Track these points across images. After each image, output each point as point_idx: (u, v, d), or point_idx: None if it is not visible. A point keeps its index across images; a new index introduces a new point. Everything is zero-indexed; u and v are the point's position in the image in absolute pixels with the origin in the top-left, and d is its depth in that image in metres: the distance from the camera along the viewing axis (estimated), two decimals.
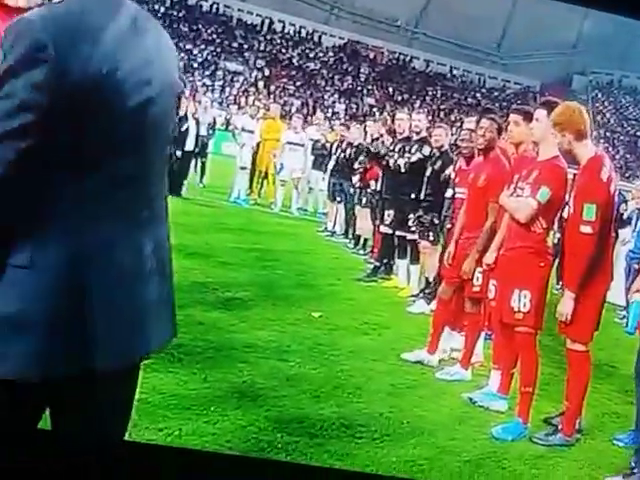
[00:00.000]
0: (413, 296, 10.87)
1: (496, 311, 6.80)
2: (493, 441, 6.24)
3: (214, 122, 21.64)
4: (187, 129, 18.65)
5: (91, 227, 2.34)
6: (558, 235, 9.50)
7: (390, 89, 60.75)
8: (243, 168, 20.08)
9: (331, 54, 64.27)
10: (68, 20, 2.29)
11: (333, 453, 5.41)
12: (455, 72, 67.26)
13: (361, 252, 14.44)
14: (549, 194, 6.31)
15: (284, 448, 5.38)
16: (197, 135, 19.40)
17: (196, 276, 10.16)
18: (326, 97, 58.71)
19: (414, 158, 10.97)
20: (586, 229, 5.97)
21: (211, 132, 21.20)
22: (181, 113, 18.82)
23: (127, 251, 2.45)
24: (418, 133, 11.26)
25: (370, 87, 61.26)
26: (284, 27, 63.65)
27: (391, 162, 11.52)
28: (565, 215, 6.81)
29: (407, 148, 11.27)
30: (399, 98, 58.91)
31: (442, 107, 59.85)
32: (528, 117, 6.83)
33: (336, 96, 58.62)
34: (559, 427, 6.43)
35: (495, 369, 7.15)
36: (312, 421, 5.91)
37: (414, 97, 59.37)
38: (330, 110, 54.94)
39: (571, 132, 6.10)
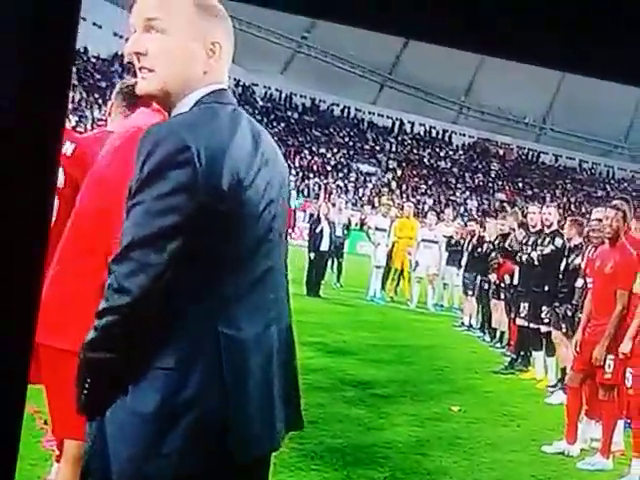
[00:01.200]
0: (551, 387, 10.84)
1: (635, 399, 6.79)
2: None
3: (349, 222, 22.02)
4: (322, 230, 19.09)
5: (233, 326, 2.47)
6: None
7: (520, 184, 60.45)
8: (378, 267, 20.37)
9: (461, 152, 64.58)
10: (203, 125, 2.43)
11: None
12: (584, 165, 66.66)
13: (498, 345, 14.44)
14: None
15: None
16: (331, 236, 19.81)
17: (335, 374, 10.38)
18: (457, 194, 58.80)
19: (547, 250, 11.06)
20: None
21: (346, 232, 21.64)
22: (315, 215, 19.35)
23: (261, 347, 2.58)
24: (549, 226, 11.37)
25: (500, 183, 61.12)
26: (414, 127, 64.26)
27: (524, 256, 11.63)
28: None
29: (539, 241, 11.37)
30: (529, 192, 58.56)
31: (572, 200, 59.20)
32: None
33: (467, 193, 58.63)
34: None
35: (636, 457, 7.11)
36: None
37: (544, 191, 58.90)
38: (462, 207, 54.96)
39: None
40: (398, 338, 14.47)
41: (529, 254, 11.48)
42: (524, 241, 11.98)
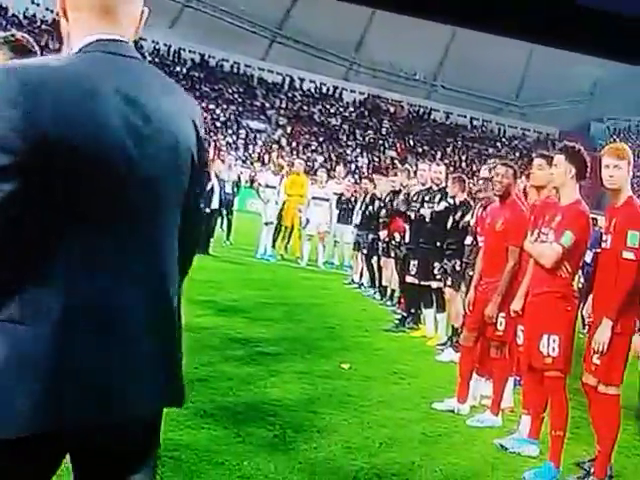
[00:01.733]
0: (441, 345, 10.90)
1: (525, 356, 6.82)
2: None
3: (238, 180, 21.83)
4: (212, 188, 18.83)
5: (84, 281, 2.34)
6: (582, 280, 9.54)
7: (411, 141, 61.08)
8: (268, 224, 20.24)
9: (352, 109, 64.84)
10: (50, 72, 2.33)
11: None
12: (475, 123, 67.68)
13: (388, 303, 14.48)
14: (573, 238, 6.35)
15: None
16: (220, 193, 19.59)
17: (225, 332, 10.24)
18: (348, 152, 59.10)
19: (439, 207, 11.08)
20: (629, 255, 5.95)
21: (235, 190, 21.47)
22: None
23: (119, 304, 2.42)
24: (438, 184, 11.41)
25: (392, 140, 61.63)
26: (304, 84, 64.29)
27: (414, 213, 11.63)
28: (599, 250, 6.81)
29: (429, 198, 11.38)
30: (420, 150, 59.28)
31: (463, 158, 60.08)
32: (550, 162, 6.88)
33: (358, 150, 58.96)
34: (591, 471, 6.39)
35: (525, 414, 7.15)
36: (345, 472, 5.93)
37: (435, 149, 59.68)
38: (353, 165, 55.24)
39: None
40: (289, 296, 14.41)
41: (419, 211, 11.49)
42: (414, 198, 11.98)
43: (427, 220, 11.28)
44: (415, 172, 13.07)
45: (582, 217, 6.49)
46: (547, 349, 6.40)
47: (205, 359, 8.71)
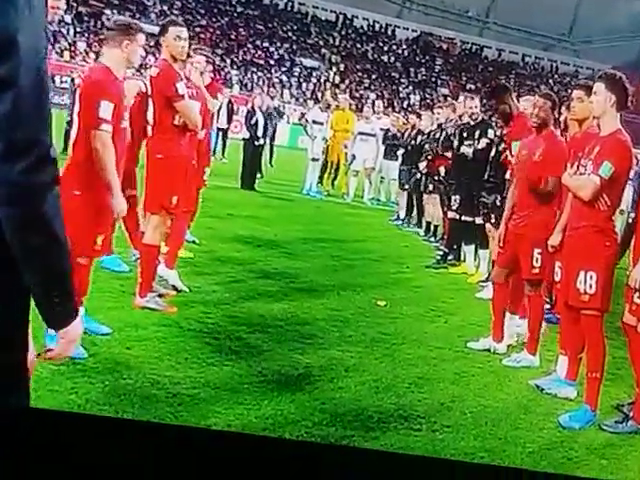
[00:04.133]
0: (483, 282, 10.59)
1: (561, 294, 6.51)
2: (560, 430, 5.95)
3: (278, 108, 21.68)
4: (256, 122, 18.59)
5: None
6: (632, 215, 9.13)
7: (463, 79, 60.32)
8: (314, 160, 20.00)
9: (404, 47, 64.20)
10: None
11: (389, 446, 5.20)
12: (527, 59, 66.63)
13: (432, 239, 14.17)
14: (612, 169, 5.98)
15: (338, 442, 5.18)
16: (265, 126, 19.33)
17: (261, 268, 10.07)
18: (401, 89, 58.57)
19: (480, 145, 10.72)
20: None
21: (275, 115, 21.59)
22: (250, 107, 18.92)
23: None
24: (475, 118, 11.06)
25: (444, 77, 60.96)
26: (357, 22, 63.73)
27: (456, 149, 11.31)
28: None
29: (469, 134, 11.03)
30: (472, 87, 58.50)
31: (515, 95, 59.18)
32: (590, 92, 6.49)
33: (411, 88, 58.39)
34: (630, 414, 6.10)
35: (562, 354, 6.86)
36: (369, 413, 5.72)
37: (487, 86, 58.79)
38: (405, 101, 54.70)
39: None
40: (331, 232, 14.19)
41: (459, 148, 11.16)
42: (454, 133, 11.63)
43: (470, 157, 10.92)
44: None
45: (622, 147, 6.10)
46: (584, 286, 6.09)
47: (235, 295, 8.55)
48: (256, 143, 18.90)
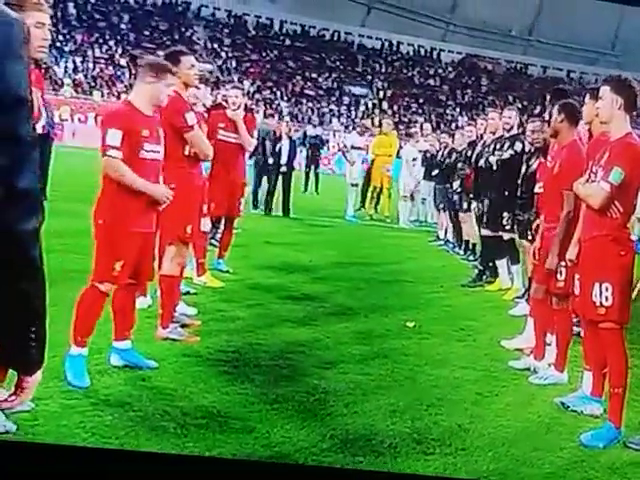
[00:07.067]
0: (519, 297, 10.35)
1: (580, 307, 6.29)
2: (582, 449, 5.71)
3: (304, 135, 21.46)
4: (280, 148, 18.62)
5: None
6: None
7: (510, 98, 60.00)
8: (353, 185, 19.97)
9: (450, 69, 64.38)
10: None
11: (397, 471, 5.03)
12: (572, 75, 66.23)
13: (471, 258, 13.95)
14: (622, 174, 5.77)
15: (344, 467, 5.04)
16: (290, 152, 19.26)
17: (289, 294, 10.02)
18: (448, 111, 58.53)
19: (506, 155, 10.53)
20: None
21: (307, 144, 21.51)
22: (277, 133, 18.92)
23: None
24: (509, 130, 10.82)
25: (491, 98, 60.76)
26: (402, 48, 64.11)
27: (482, 161, 11.11)
28: None
29: (499, 146, 10.82)
30: (520, 106, 58.16)
31: None
32: (597, 96, 6.29)
33: (458, 110, 58.31)
34: None
35: (587, 370, 6.62)
36: (381, 438, 5.53)
37: (534, 103, 58.32)
38: (454, 124, 54.54)
39: None
40: (366, 255, 14.12)
41: (487, 159, 10.96)
42: (486, 149, 11.45)
43: (494, 169, 10.74)
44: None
45: (632, 150, 5.88)
46: (600, 298, 5.85)
47: (261, 321, 8.49)
48: (281, 170, 18.93)
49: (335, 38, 64.23)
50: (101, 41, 52.82)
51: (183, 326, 7.77)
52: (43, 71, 5.35)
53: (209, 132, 8.71)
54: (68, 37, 51.21)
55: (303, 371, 6.92)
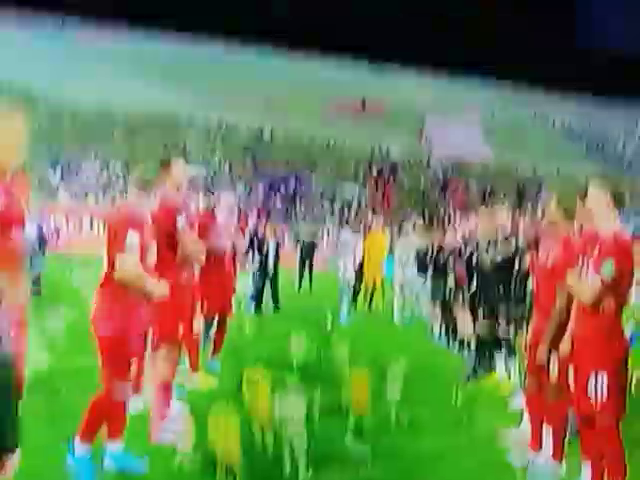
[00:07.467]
0: (515, 391, 10.30)
1: (575, 402, 6.28)
2: None
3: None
4: (267, 250, 19.33)
5: None
6: None
7: (500, 195, 60.20)
8: (345, 283, 20.00)
9: (440, 170, 64.87)
10: None
11: None
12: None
13: (465, 352, 13.90)
14: (613, 268, 5.82)
15: None
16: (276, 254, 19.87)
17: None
18: (440, 207, 58.81)
19: (499, 256, 10.69)
20: None
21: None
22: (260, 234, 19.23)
23: None
24: (502, 228, 10.98)
25: (482, 195, 60.67)
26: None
27: (475, 258, 11.27)
28: None
29: (492, 244, 10.97)
30: (511, 201, 58.60)
31: None
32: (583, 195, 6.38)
33: (450, 207, 58.52)
34: None
35: (585, 460, 6.56)
36: None
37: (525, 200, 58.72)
38: (446, 220, 54.93)
39: None
40: (362, 352, 13.91)
41: (480, 257, 11.12)
42: (477, 244, 11.59)
43: (488, 266, 10.86)
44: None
45: (623, 244, 5.96)
46: (594, 394, 5.88)
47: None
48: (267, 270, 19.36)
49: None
50: None
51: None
52: None
53: (200, 235, 8.73)
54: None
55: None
